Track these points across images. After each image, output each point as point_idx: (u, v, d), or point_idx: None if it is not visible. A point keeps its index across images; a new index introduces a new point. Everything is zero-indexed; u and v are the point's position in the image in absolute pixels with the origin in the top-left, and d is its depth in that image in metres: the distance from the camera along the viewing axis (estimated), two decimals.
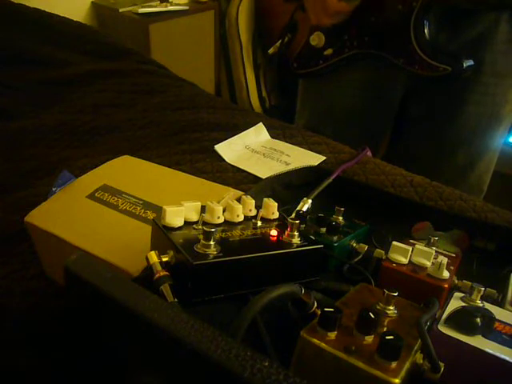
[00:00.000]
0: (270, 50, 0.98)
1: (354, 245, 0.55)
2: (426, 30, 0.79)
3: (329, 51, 0.89)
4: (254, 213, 0.49)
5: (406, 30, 0.80)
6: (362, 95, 0.94)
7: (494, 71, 0.85)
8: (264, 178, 0.75)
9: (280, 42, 0.96)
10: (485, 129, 0.90)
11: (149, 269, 0.41)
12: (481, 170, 0.95)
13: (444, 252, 0.53)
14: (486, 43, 0.83)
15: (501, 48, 0.83)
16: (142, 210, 0.55)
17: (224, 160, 0.83)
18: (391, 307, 0.40)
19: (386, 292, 0.40)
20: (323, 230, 0.55)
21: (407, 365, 0.33)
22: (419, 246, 0.50)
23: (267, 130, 0.92)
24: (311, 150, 0.86)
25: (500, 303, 0.46)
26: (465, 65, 0.80)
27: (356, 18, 0.84)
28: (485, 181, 0.98)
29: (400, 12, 0.80)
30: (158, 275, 0.39)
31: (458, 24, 0.82)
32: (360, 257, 0.54)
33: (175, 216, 0.44)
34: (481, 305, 0.43)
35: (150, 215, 0.54)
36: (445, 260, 0.47)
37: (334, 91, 0.96)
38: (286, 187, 0.71)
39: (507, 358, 0.36)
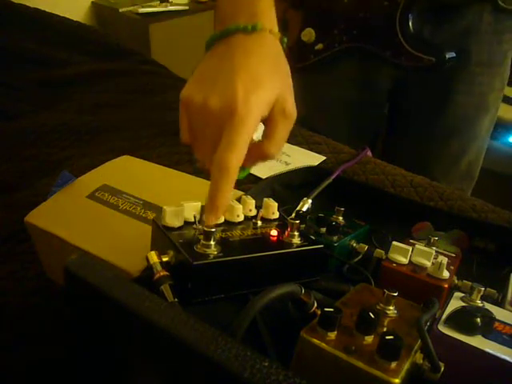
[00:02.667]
0: None
1: (354, 245, 0.55)
2: (410, 24, 0.83)
3: (319, 46, 0.92)
4: (254, 213, 0.49)
5: (392, 25, 0.83)
6: (352, 87, 0.96)
7: (479, 61, 0.88)
8: (264, 178, 0.75)
9: None
10: (473, 117, 0.93)
11: (149, 269, 0.41)
12: (471, 157, 0.98)
13: (444, 252, 0.53)
14: (471, 35, 0.85)
15: (485, 38, 0.86)
16: (142, 210, 0.55)
17: None
18: (391, 307, 0.40)
19: (386, 292, 0.40)
20: (323, 230, 0.55)
21: (407, 365, 0.33)
22: (419, 246, 0.50)
23: None
24: (311, 150, 0.86)
25: (500, 303, 0.46)
26: (447, 56, 0.83)
27: (345, 13, 0.87)
28: (475, 167, 1.00)
29: (386, 7, 0.83)
30: (158, 275, 0.39)
31: (443, 17, 0.85)
32: (360, 257, 0.54)
33: (175, 216, 0.44)
34: (481, 305, 0.43)
35: (150, 215, 0.54)
36: (445, 260, 0.47)
37: (325, 84, 0.98)
38: (286, 187, 0.71)
39: (507, 358, 0.36)
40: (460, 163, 0.97)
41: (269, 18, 0.47)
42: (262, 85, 0.44)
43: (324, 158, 0.83)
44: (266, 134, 0.47)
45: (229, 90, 0.42)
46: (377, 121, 1.03)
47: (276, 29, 0.48)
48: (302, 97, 1.04)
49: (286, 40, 0.48)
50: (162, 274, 0.39)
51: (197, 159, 0.47)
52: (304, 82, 1.02)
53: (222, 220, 0.46)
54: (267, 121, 0.46)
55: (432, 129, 0.94)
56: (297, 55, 0.96)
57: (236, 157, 0.42)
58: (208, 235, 0.40)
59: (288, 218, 0.47)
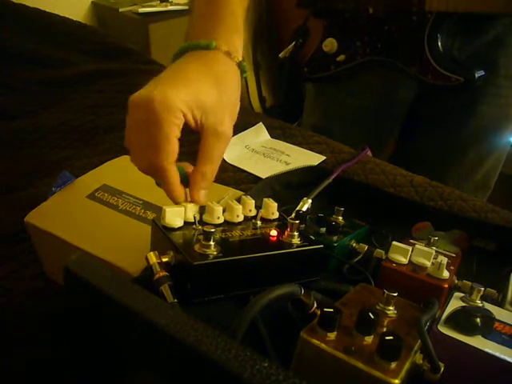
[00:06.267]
0: (281, 54, 0.99)
1: (354, 245, 0.55)
2: (439, 43, 0.80)
3: (341, 57, 0.89)
4: (253, 213, 0.49)
5: (420, 41, 0.81)
6: (373, 98, 0.95)
7: (507, 74, 0.86)
8: (264, 178, 0.75)
9: (292, 46, 0.96)
10: (495, 129, 0.91)
11: (149, 269, 0.41)
12: (488, 167, 0.96)
13: (444, 252, 0.53)
14: (501, 47, 0.84)
15: None
16: (142, 210, 0.55)
17: (224, 160, 0.83)
18: (391, 307, 0.40)
19: (386, 292, 0.40)
20: (323, 230, 0.55)
21: (407, 365, 0.33)
22: (419, 246, 0.49)
23: (267, 129, 0.92)
24: (311, 150, 0.86)
25: (500, 303, 0.46)
26: (476, 75, 0.80)
27: (369, 25, 0.85)
28: (492, 177, 0.98)
29: (414, 22, 0.80)
30: (157, 276, 0.39)
31: (472, 28, 0.82)
32: (360, 257, 0.54)
33: (175, 216, 0.44)
34: (481, 305, 0.43)
35: (150, 215, 0.54)
36: (445, 260, 0.47)
37: (347, 93, 0.97)
38: (286, 187, 0.71)
39: (507, 358, 0.36)
40: (476, 174, 0.95)
41: (228, 42, 0.50)
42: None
43: (324, 157, 0.83)
44: (198, 154, 0.47)
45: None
46: (395, 128, 1.02)
47: (237, 54, 0.50)
48: (321, 104, 1.04)
49: (245, 65, 0.50)
50: (161, 274, 0.39)
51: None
52: (321, 91, 1.02)
53: (221, 220, 0.46)
54: (200, 139, 0.47)
55: (451, 138, 0.93)
56: (317, 65, 0.94)
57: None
58: (208, 235, 0.40)
59: (288, 218, 0.47)
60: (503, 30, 0.82)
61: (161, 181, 0.45)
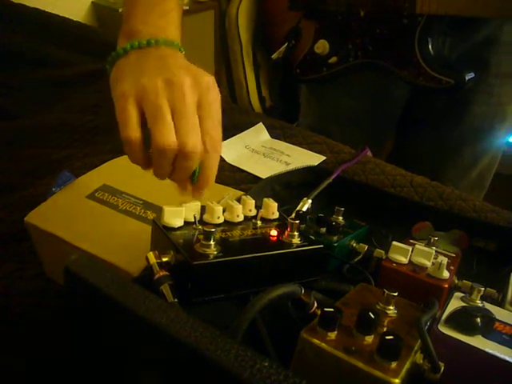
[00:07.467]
0: (274, 56, 0.99)
1: (354, 245, 0.55)
2: (430, 46, 0.80)
3: (333, 59, 0.90)
4: (253, 213, 0.49)
5: (411, 44, 0.81)
6: (367, 99, 0.95)
7: (499, 72, 0.86)
8: (264, 178, 0.75)
9: (284, 47, 0.96)
10: (489, 128, 0.91)
11: (149, 269, 0.41)
12: (483, 167, 0.96)
13: (444, 252, 0.53)
14: (491, 45, 0.84)
15: (506, 49, 0.84)
16: (142, 210, 0.55)
17: (224, 160, 0.83)
18: (391, 307, 0.40)
19: (386, 292, 0.40)
20: (323, 230, 0.55)
21: (407, 365, 0.33)
22: (419, 246, 0.50)
23: (267, 129, 0.92)
24: (311, 150, 0.86)
25: (500, 303, 0.46)
26: (466, 78, 0.80)
27: (361, 28, 0.85)
28: (487, 177, 0.99)
29: (405, 26, 0.80)
30: (158, 275, 0.40)
31: (464, 28, 0.82)
32: (360, 257, 0.54)
33: (175, 216, 0.44)
34: (481, 305, 0.43)
35: (150, 215, 0.54)
36: (445, 260, 0.47)
37: (339, 94, 0.97)
38: (286, 187, 0.71)
39: (507, 358, 0.36)
40: (471, 173, 0.96)
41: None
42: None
43: (324, 157, 0.83)
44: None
45: (192, 70, 0.45)
46: (391, 128, 1.02)
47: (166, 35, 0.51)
48: (315, 104, 1.04)
49: (175, 41, 0.51)
50: (161, 274, 0.40)
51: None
52: (317, 90, 1.02)
53: (221, 220, 0.46)
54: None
55: (445, 138, 0.93)
56: (309, 66, 0.94)
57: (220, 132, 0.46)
58: (208, 235, 0.40)
59: (288, 218, 0.47)
60: (495, 29, 0.82)
61: (214, 156, 0.46)
